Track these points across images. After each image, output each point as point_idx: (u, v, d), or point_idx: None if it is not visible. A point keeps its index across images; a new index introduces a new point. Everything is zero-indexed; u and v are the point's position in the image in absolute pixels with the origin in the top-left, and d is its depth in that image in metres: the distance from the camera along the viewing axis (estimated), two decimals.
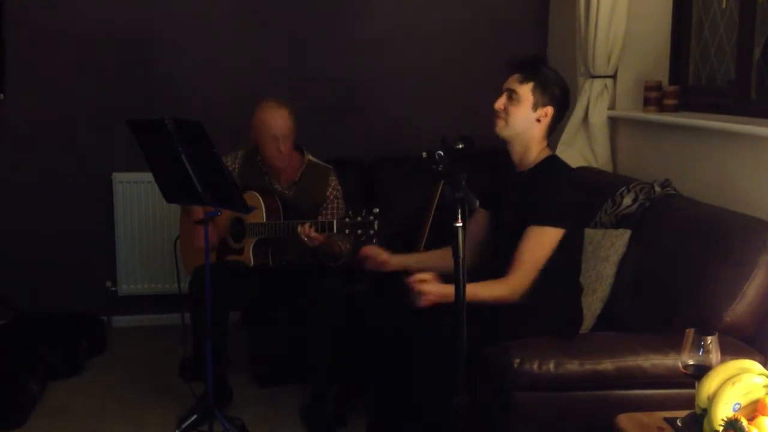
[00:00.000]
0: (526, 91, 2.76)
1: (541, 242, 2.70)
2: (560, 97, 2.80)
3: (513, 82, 2.79)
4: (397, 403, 2.89)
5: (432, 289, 2.67)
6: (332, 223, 3.10)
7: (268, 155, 3.48)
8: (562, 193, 2.74)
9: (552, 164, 2.83)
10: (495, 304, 2.67)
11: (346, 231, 2.99)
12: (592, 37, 3.81)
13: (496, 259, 2.94)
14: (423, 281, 2.69)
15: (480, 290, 2.64)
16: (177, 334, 3.36)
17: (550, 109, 2.78)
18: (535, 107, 2.77)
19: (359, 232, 2.96)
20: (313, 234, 3.16)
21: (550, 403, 2.48)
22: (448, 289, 2.58)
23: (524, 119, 2.78)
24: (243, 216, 3.38)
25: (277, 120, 3.43)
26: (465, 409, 2.17)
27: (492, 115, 2.82)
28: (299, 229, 3.18)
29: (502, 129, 2.81)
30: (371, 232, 2.94)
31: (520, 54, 2.83)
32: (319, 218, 3.33)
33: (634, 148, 3.88)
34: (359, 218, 2.96)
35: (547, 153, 2.85)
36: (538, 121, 2.78)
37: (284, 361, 3.77)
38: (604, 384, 2.47)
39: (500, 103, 2.80)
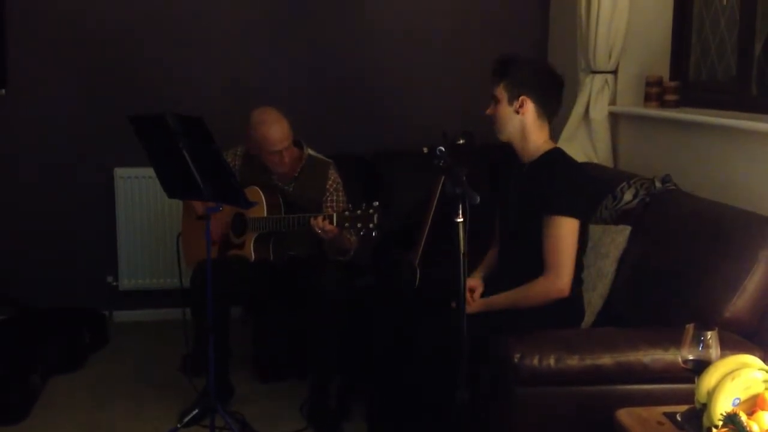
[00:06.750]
0: (500, 91, 2.82)
1: (559, 234, 2.71)
2: (535, 81, 2.81)
3: (491, 88, 2.86)
4: (398, 396, 2.90)
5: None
6: (332, 216, 3.07)
7: (271, 166, 3.49)
8: (568, 183, 2.76)
9: (554, 156, 2.85)
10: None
11: (346, 224, 2.99)
12: (593, 32, 3.81)
13: (502, 251, 3.00)
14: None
15: (516, 296, 2.77)
16: (179, 329, 3.37)
17: (525, 98, 2.79)
18: (510, 102, 2.81)
19: (359, 225, 2.95)
20: (328, 227, 3.11)
21: (550, 398, 2.49)
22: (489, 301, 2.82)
23: (506, 117, 2.82)
24: (244, 211, 3.38)
25: (277, 135, 3.40)
26: (467, 403, 2.18)
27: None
28: (312, 222, 3.13)
29: (498, 134, 2.88)
30: (371, 225, 2.93)
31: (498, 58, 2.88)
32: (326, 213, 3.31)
33: (635, 143, 3.88)
34: (359, 211, 2.95)
35: (549, 146, 2.86)
36: (518, 112, 2.80)
37: (286, 357, 3.77)
38: (604, 379, 2.47)
39: (489, 110, 2.87)
